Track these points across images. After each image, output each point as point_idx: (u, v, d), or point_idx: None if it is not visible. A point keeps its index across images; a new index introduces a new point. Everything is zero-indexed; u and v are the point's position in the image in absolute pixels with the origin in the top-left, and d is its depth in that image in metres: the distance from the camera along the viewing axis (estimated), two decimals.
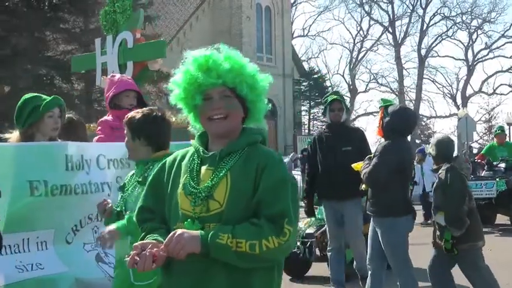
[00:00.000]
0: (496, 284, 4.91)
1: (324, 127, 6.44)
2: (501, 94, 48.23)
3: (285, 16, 35.83)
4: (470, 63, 48.21)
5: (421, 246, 5.25)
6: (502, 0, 63.52)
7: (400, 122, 4.90)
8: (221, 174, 2.15)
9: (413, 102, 47.46)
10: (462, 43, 49.44)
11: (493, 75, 48.48)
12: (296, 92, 37.12)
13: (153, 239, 2.13)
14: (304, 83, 38.56)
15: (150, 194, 2.32)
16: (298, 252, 7.09)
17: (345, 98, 42.65)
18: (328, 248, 6.20)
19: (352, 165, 5.21)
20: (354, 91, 48.04)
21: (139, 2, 23.88)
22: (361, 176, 5.04)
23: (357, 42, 49.20)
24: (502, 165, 12.28)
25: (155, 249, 2.04)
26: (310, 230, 7.22)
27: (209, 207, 2.12)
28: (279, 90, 34.25)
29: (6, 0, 19.10)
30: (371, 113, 49.30)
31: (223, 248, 2.02)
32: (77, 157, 3.77)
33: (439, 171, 4.93)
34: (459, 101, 47.91)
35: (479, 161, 13.58)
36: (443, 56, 61.22)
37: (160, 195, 2.28)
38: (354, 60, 48.74)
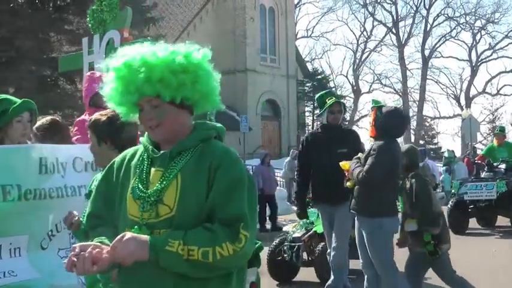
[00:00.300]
0: (469, 285, 5.03)
1: (318, 127, 6.24)
2: (505, 95, 48.36)
3: (288, 17, 35.80)
4: (473, 64, 48.22)
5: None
6: (506, 1, 63.48)
7: (394, 123, 4.98)
8: (171, 176, 1.98)
9: (417, 103, 47.48)
10: (466, 44, 49.64)
11: (496, 75, 48.57)
12: (300, 93, 37.08)
13: (98, 241, 1.97)
14: (307, 84, 38.52)
15: (98, 199, 2.16)
16: (285, 256, 7.01)
17: (348, 98, 42.01)
18: (328, 251, 6.14)
19: (340, 164, 5.18)
20: (357, 92, 48.03)
21: (144, 4, 23.96)
22: (352, 175, 5.00)
23: (361, 43, 49.37)
24: (503, 166, 12.11)
25: (97, 250, 1.87)
26: (297, 234, 7.10)
27: (159, 213, 1.96)
28: (283, 91, 34.24)
29: (10, 2, 19.15)
30: None
31: (174, 256, 1.85)
32: (52, 160, 3.62)
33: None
34: (463, 101, 47.95)
35: (479, 162, 13.36)
36: (447, 57, 61.13)
37: (109, 200, 2.12)
38: (357, 61, 48.84)
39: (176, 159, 2.01)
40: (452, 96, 49.52)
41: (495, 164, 12.24)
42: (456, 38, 48.82)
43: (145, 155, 2.09)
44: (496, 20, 47.40)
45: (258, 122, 32.00)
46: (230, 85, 31.91)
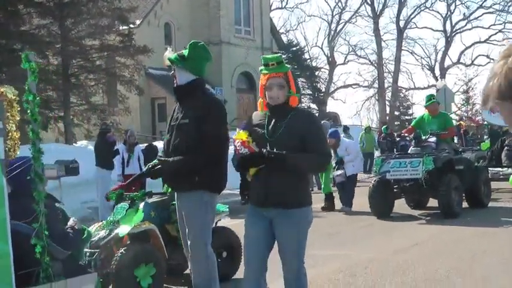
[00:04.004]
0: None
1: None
2: (479, 65, 48.77)
3: None
4: (448, 35, 48.47)
5: None
6: None
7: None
8: None
9: (392, 74, 47.69)
10: (440, 14, 49.79)
11: (470, 46, 48.97)
12: None
13: None
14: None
15: None
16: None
17: (324, 70, 41.39)
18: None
19: (237, 135, 3.93)
20: (332, 63, 48.04)
21: None
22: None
23: (336, 14, 49.16)
24: (433, 139, 10.63)
25: None
26: (96, 237, 5.69)
27: None
28: (258, 63, 33.91)
29: None
30: (350, 85, 49.47)
31: None
32: None
33: None
34: (437, 72, 48.31)
35: (406, 135, 12.02)
36: (421, 28, 61.71)
37: None
38: (332, 32, 48.68)
39: None
40: (427, 67, 49.89)
41: (424, 137, 10.82)
42: (431, 8, 48.89)
43: None
44: None
45: (233, 94, 31.86)
46: None
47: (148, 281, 5.53)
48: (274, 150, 3.75)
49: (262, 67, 3.98)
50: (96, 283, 4.16)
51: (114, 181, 12.08)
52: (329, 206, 11.91)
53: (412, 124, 11.80)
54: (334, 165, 11.69)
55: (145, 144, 14.13)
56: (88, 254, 5.49)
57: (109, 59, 23.81)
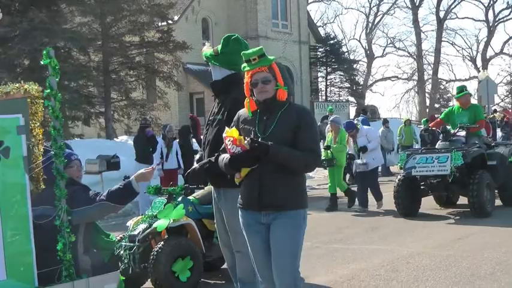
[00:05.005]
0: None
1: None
2: None
3: None
4: (490, 24, 47.35)
5: None
6: None
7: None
8: None
9: (432, 65, 46.94)
10: (482, 3, 48.54)
11: None
12: (312, 59, 36.80)
13: None
14: (320, 49, 38.19)
15: None
16: (123, 261, 5.53)
17: (362, 63, 40.86)
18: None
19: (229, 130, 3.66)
20: (370, 56, 47.59)
21: None
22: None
23: (373, 6, 48.72)
24: (462, 133, 10.03)
25: None
26: (135, 231, 5.74)
27: None
28: (295, 56, 34.00)
29: None
30: (388, 78, 48.91)
31: None
32: None
33: None
34: (479, 63, 47.28)
35: (434, 128, 11.07)
36: (462, 18, 60.40)
37: None
38: (370, 24, 48.21)
39: None
40: (468, 58, 49.00)
41: (452, 131, 10.20)
42: None
43: None
44: None
45: None
46: None
47: (187, 274, 5.63)
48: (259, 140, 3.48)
49: (245, 64, 3.71)
50: (119, 282, 4.16)
51: (154, 176, 12.23)
52: (333, 206, 11.17)
53: (440, 117, 11.09)
54: (355, 154, 11.01)
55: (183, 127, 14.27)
56: (127, 247, 5.57)
57: (148, 55, 24.18)
